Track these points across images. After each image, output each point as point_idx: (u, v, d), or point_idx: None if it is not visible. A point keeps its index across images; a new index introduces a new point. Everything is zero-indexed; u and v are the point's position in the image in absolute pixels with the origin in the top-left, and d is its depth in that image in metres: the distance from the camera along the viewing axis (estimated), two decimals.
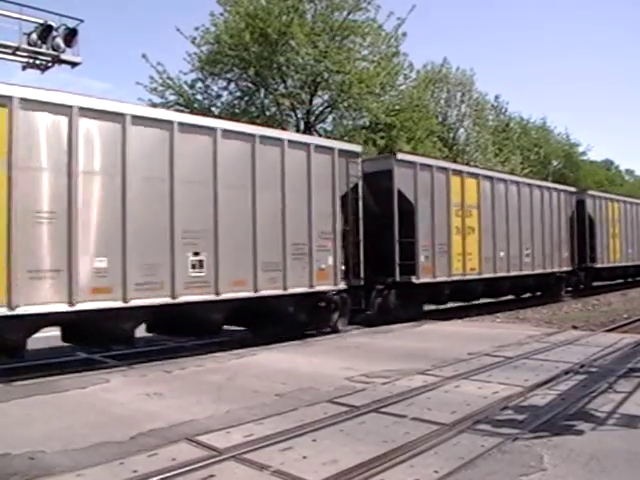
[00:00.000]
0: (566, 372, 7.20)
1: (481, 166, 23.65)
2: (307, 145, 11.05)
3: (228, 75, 21.30)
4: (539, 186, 18.42)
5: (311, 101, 21.53)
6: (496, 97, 39.74)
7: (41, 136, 7.63)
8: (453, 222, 14.25)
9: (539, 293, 19.19)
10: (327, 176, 11.26)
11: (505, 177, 17.11)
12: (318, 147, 11.22)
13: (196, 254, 9.10)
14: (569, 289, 20.32)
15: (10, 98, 7.35)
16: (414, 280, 13.00)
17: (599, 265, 21.37)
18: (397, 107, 22.50)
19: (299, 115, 21.83)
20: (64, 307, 7.67)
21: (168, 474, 4.01)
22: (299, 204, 10.68)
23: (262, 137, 10.21)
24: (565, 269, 19.28)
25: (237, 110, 21.32)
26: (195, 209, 9.13)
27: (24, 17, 14.04)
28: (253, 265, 9.88)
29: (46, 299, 7.53)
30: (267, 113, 21.43)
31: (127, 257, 8.26)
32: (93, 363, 8.91)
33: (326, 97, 21.82)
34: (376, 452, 4.37)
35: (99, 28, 65.61)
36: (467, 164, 21.78)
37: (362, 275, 11.74)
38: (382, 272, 12.61)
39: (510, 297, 18.42)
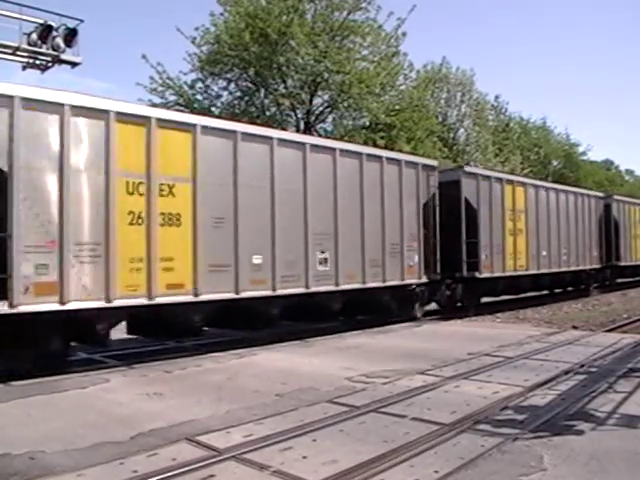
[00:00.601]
0: (566, 372, 7.20)
1: (518, 175, 24.28)
2: (399, 161, 13.06)
3: (228, 75, 21.30)
4: (574, 192, 20.51)
5: (311, 101, 21.53)
6: (496, 97, 39.77)
7: (215, 157, 9.50)
8: (507, 225, 16.09)
9: (570, 288, 20.60)
10: (413, 187, 13.28)
11: (546, 185, 19.33)
12: (407, 163, 13.25)
13: (322, 252, 11.07)
14: (596, 285, 22.13)
15: (194, 126, 9.31)
16: (477, 275, 14.84)
17: (623, 263, 23.26)
18: (397, 107, 22.50)
19: (299, 115, 21.84)
20: (232, 295, 9.53)
21: (168, 474, 4.01)
22: (394, 211, 12.67)
23: (367, 155, 12.28)
24: (594, 267, 21.24)
25: (237, 110, 21.32)
26: (321, 216, 11.07)
27: (24, 17, 14.03)
28: (362, 262, 11.85)
29: (220, 288, 9.36)
30: (267, 113, 21.43)
31: (276, 255, 10.18)
32: (93, 363, 8.91)
33: (326, 97, 21.82)
34: (376, 452, 4.37)
35: (99, 28, 65.64)
36: (467, 164, 22.02)
37: (439, 271, 13.77)
38: (451, 269, 14.29)
39: (538, 292, 19.49)
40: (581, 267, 20.07)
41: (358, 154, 12.04)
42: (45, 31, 14.32)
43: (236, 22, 20.19)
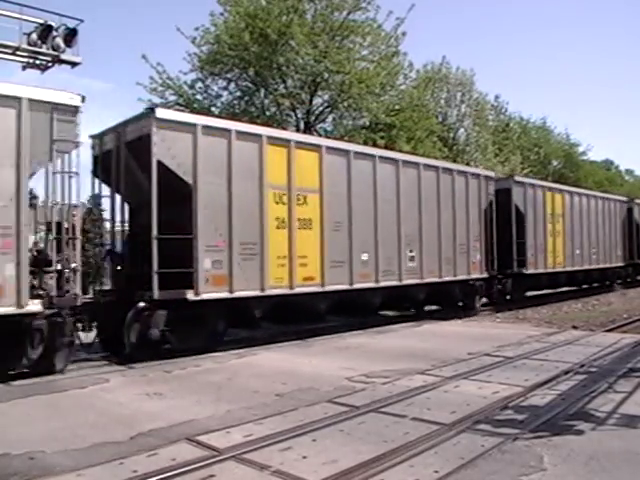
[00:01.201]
0: (566, 372, 7.20)
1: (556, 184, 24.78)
2: (465, 173, 15.37)
3: (228, 75, 21.25)
4: (601, 197, 23.18)
5: (311, 101, 21.49)
6: (496, 97, 39.64)
7: (335, 173, 11.57)
8: (547, 227, 18.46)
9: (596, 284, 22.91)
10: (476, 195, 15.42)
11: (579, 191, 21.94)
12: (472, 174, 15.64)
13: (410, 251, 13.23)
14: (620, 281, 24.36)
15: (320, 147, 11.46)
16: (524, 271, 17.13)
17: None
18: (397, 107, 22.47)
19: (299, 115, 21.80)
20: (347, 286, 11.58)
21: (168, 474, 4.02)
22: (462, 216, 14.77)
23: (443, 169, 14.58)
24: (619, 264, 23.89)
25: (237, 110, 21.29)
26: (409, 221, 13.21)
27: (24, 17, 14.01)
28: (439, 259, 14.00)
29: (339, 281, 11.42)
30: (267, 113, 21.38)
31: (378, 253, 12.27)
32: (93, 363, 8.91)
33: (326, 97, 21.78)
34: (376, 452, 4.37)
35: (99, 28, 65.64)
36: (467, 164, 22.21)
37: (496, 267, 15.90)
38: (502, 266, 16.26)
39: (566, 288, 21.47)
40: (608, 265, 22.72)
41: (435, 168, 14.36)
42: (45, 31, 14.30)
43: (236, 22, 20.16)
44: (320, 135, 20.55)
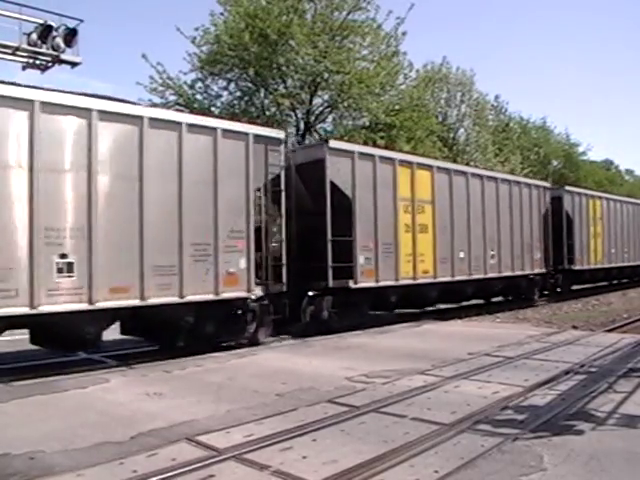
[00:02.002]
0: (566, 372, 7.20)
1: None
2: (529, 185, 18.19)
3: (228, 75, 21.27)
4: (633, 203, 26.14)
5: (311, 101, 21.50)
6: (496, 97, 39.70)
7: (441, 187, 14.27)
8: (590, 230, 21.35)
9: (625, 280, 25.31)
10: (537, 203, 18.08)
11: (614, 197, 24.80)
12: (534, 186, 18.38)
13: (492, 250, 15.80)
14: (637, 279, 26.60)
15: (432, 167, 14.22)
16: (573, 267, 19.93)
17: None
18: (397, 107, 22.48)
19: (299, 115, 21.82)
20: (450, 278, 14.39)
21: (168, 474, 4.01)
22: (527, 220, 17.60)
23: (514, 182, 17.48)
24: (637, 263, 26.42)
25: (237, 110, 21.30)
26: (490, 226, 15.77)
27: (24, 17, 14.04)
28: (511, 257, 16.56)
29: (444, 274, 14.21)
30: (267, 113, 21.40)
31: (471, 251, 15.08)
32: (93, 363, 8.91)
33: (326, 97, 21.80)
34: (376, 452, 4.36)
35: (99, 28, 65.60)
36: (467, 164, 22.35)
37: (551, 264, 18.49)
38: (554, 263, 18.91)
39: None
40: (637, 262, 25.51)
41: (508, 181, 17.03)
42: (45, 31, 14.33)
43: (236, 22, 20.17)
44: (320, 135, 20.55)
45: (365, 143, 18.99)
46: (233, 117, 18.31)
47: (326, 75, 20.48)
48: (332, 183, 11.53)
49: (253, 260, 9.96)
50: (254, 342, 10.13)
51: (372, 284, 12.25)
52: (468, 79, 32.41)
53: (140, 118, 8.66)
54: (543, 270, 18.14)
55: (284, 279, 10.54)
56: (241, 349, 9.53)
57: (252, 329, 10.16)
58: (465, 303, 16.30)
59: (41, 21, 14.33)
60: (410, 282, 13.21)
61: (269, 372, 7.65)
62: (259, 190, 10.34)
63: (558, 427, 4.96)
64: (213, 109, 21.27)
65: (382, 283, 12.47)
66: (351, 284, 11.79)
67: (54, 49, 14.45)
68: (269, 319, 10.50)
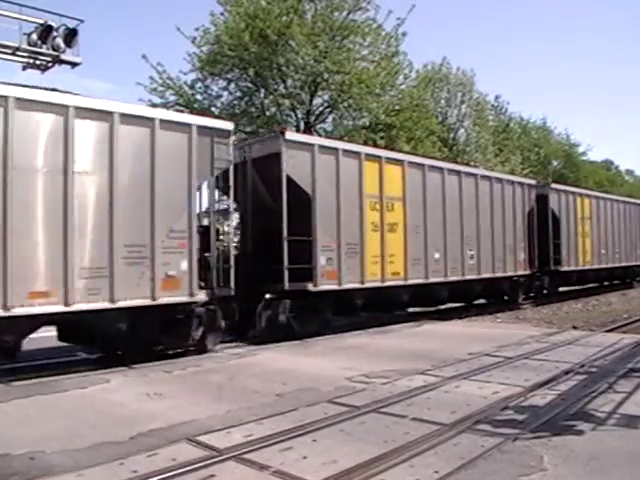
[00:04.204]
0: (566, 372, 7.20)
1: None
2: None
3: (228, 75, 21.25)
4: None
5: (311, 101, 21.49)
6: (496, 97, 39.67)
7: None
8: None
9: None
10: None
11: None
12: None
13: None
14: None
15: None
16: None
17: None
18: (397, 107, 22.47)
19: (299, 115, 21.79)
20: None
21: (168, 474, 4.01)
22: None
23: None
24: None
25: (237, 110, 21.30)
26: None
27: (24, 17, 14.03)
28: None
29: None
30: (267, 113, 21.39)
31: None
32: (93, 363, 8.90)
33: (326, 97, 21.78)
34: (376, 452, 4.37)
35: (99, 28, 65.60)
36: (467, 164, 22.24)
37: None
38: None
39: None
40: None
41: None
42: (45, 31, 14.31)
43: (236, 22, 20.15)
44: (320, 135, 20.54)
45: (365, 143, 18.99)
46: (232, 117, 18.32)
47: (326, 75, 20.46)
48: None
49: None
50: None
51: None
52: (468, 79, 32.39)
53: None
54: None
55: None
56: (241, 350, 9.51)
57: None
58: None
59: (41, 21, 14.32)
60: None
61: (269, 372, 7.65)
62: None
63: (558, 427, 4.96)
64: (213, 109, 21.25)
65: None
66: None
67: (54, 49, 14.44)
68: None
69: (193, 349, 9.29)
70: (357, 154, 12.10)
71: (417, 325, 12.63)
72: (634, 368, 7.39)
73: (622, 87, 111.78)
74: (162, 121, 8.90)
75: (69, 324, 8.25)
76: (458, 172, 15.02)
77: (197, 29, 20.58)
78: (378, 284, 12.22)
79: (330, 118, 22.60)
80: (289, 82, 21.06)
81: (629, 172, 71.13)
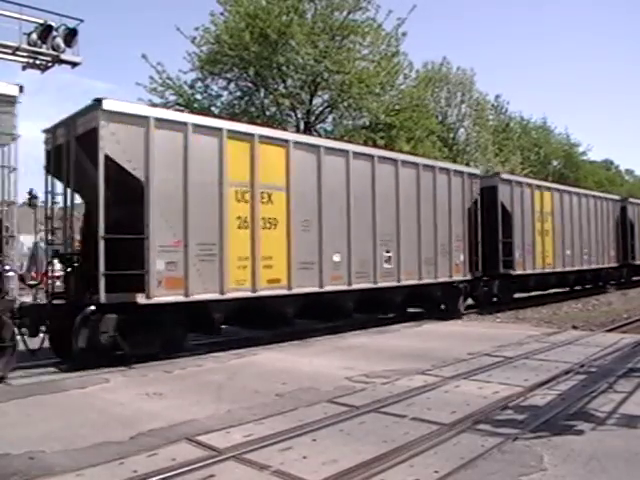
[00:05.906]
0: (566, 372, 7.20)
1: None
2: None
3: (228, 75, 21.25)
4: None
5: (311, 101, 21.49)
6: (496, 97, 39.75)
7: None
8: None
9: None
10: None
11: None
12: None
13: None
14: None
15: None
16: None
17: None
18: (397, 107, 22.47)
19: (299, 115, 21.80)
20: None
21: (168, 474, 4.01)
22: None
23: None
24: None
25: (237, 110, 21.30)
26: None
27: (24, 17, 14.05)
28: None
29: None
30: (267, 113, 21.40)
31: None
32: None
33: (326, 97, 21.79)
34: (376, 452, 4.37)
35: (99, 28, 65.60)
36: (467, 164, 22.23)
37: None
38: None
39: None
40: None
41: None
42: (45, 31, 14.34)
43: (236, 22, 20.15)
44: (320, 135, 20.54)
45: (365, 143, 18.99)
46: (233, 117, 18.31)
47: (326, 75, 20.47)
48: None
49: None
50: None
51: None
52: (468, 79, 32.44)
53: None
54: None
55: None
56: (241, 350, 9.52)
57: None
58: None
59: (41, 21, 14.34)
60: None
61: (269, 372, 7.65)
62: None
63: (558, 427, 4.96)
64: (213, 109, 21.26)
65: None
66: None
67: (54, 49, 14.46)
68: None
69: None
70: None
71: (417, 325, 12.64)
72: (634, 368, 7.39)
73: (622, 87, 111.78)
74: None
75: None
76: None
77: (197, 29, 20.59)
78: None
79: (330, 118, 22.62)
80: (289, 82, 21.07)
81: (629, 172, 71.26)
